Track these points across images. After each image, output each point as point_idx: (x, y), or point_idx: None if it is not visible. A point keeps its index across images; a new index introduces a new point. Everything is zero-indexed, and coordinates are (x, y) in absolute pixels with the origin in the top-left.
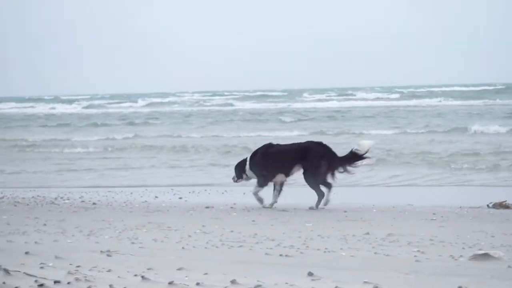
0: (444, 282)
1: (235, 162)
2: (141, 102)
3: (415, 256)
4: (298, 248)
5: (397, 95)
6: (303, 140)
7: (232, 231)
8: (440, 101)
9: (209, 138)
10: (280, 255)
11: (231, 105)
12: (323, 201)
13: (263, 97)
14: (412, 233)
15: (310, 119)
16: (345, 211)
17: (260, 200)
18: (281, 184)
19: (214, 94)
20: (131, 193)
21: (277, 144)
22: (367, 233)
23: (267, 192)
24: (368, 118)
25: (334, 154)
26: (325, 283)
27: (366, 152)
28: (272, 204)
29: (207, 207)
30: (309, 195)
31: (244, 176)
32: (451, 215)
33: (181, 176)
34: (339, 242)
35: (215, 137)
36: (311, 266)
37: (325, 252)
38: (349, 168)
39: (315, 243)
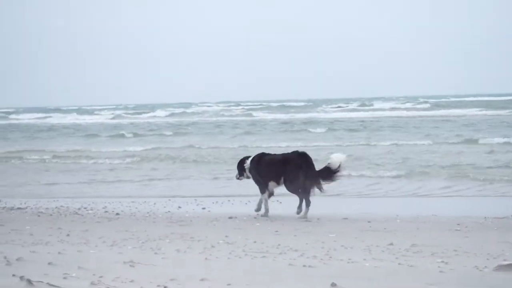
0: None
1: None
2: (163, 112)
3: (439, 267)
4: (321, 259)
5: (426, 105)
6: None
7: (255, 242)
8: (471, 111)
9: (241, 148)
10: (304, 265)
11: (251, 115)
12: (301, 213)
13: (282, 108)
14: (436, 243)
15: (339, 128)
16: (369, 222)
17: (259, 208)
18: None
19: (238, 104)
20: (155, 203)
21: (269, 154)
22: (391, 244)
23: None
24: (397, 128)
25: (311, 166)
26: None
27: (339, 166)
28: (265, 213)
29: (230, 218)
30: (333, 206)
31: (245, 174)
32: (475, 225)
33: (227, 187)
34: (362, 253)
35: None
36: (334, 276)
37: (348, 262)
38: (323, 181)
39: (338, 254)
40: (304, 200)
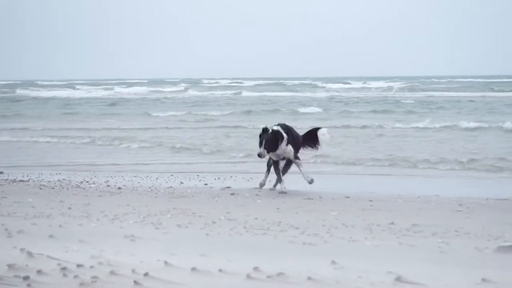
0: (468, 273)
1: None
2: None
3: (439, 247)
4: (322, 237)
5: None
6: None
7: (256, 219)
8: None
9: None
10: (304, 243)
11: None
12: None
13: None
14: (438, 223)
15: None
16: (371, 200)
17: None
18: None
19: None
20: (157, 178)
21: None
22: (392, 223)
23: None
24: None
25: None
26: (348, 272)
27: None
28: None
29: (232, 194)
30: (335, 184)
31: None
32: (477, 206)
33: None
34: (363, 231)
35: None
36: (335, 254)
37: (349, 241)
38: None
39: (339, 232)
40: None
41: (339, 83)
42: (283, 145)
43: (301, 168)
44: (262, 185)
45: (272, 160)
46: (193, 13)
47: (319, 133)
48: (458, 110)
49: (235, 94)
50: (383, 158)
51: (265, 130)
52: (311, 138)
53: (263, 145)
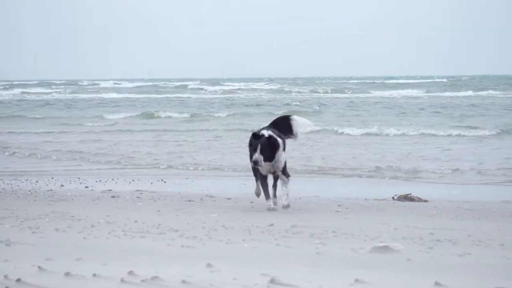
0: (342, 274)
1: None
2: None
3: (316, 248)
4: (201, 239)
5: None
6: None
7: (136, 221)
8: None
9: None
10: (182, 246)
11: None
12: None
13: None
14: (316, 224)
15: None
16: (251, 202)
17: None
18: None
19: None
20: (37, 181)
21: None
22: (271, 224)
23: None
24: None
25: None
26: (223, 274)
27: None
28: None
29: (113, 197)
30: (219, 186)
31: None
32: (356, 207)
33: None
34: (242, 233)
35: None
36: (211, 257)
37: (227, 243)
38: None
39: (218, 234)
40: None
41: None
42: (279, 152)
43: (287, 186)
44: (258, 194)
45: (259, 174)
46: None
47: (293, 122)
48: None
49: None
50: None
51: (256, 135)
52: (285, 130)
53: (258, 151)
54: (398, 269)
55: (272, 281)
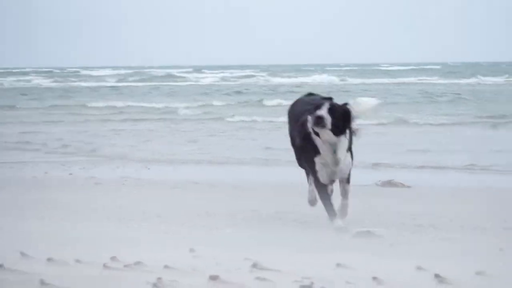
0: (324, 259)
1: None
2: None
3: (299, 233)
4: (183, 224)
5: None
6: None
7: (120, 207)
8: None
9: None
10: (165, 232)
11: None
12: None
13: None
14: (299, 210)
15: None
16: (235, 188)
17: None
18: None
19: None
20: (21, 169)
21: None
22: (255, 210)
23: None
24: None
25: None
26: (206, 259)
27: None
28: None
29: (96, 184)
30: (201, 173)
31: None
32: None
33: None
34: (225, 219)
35: None
36: (194, 243)
37: (210, 229)
38: None
39: (201, 220)
40: None
41: None
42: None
43: (347, 198)
44: (312, 202)
45: (320, 185)
46: None
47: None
48: None
49: None
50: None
51: (314, 94)
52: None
53: (326, 109)
54: (380, 254)
55: (254, 265)
